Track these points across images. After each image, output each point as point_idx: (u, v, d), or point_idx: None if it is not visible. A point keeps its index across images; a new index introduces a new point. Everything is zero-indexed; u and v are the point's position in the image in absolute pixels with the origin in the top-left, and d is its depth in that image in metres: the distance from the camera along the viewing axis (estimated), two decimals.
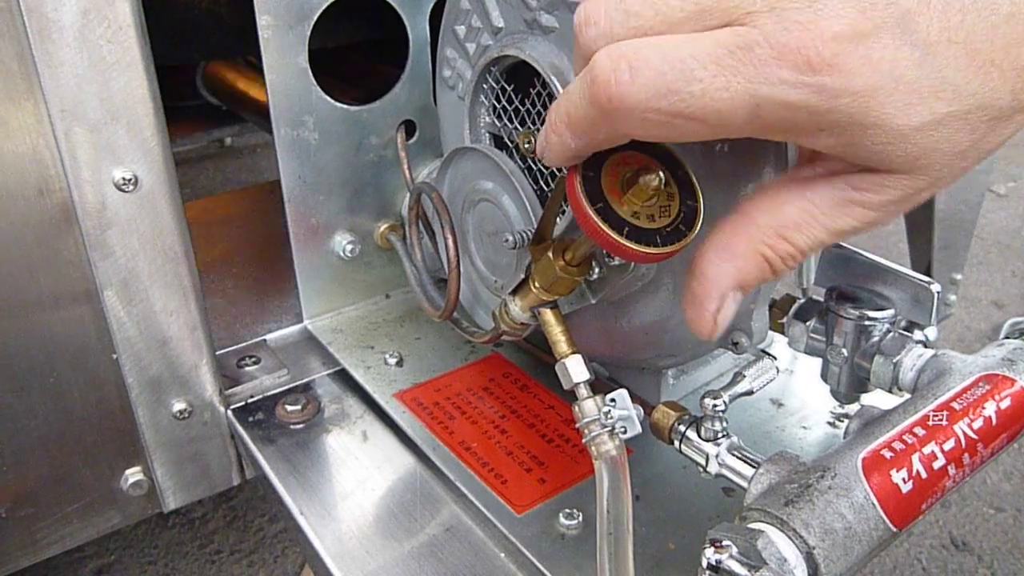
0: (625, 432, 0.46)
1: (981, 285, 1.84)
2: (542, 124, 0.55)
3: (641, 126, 0.32)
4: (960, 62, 0.29)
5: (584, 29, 0.33)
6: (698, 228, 0.39)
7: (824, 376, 0.59)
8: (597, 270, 0.49)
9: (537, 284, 0.48)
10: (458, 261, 0.59)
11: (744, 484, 0.46)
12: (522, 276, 0.50)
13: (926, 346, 0.54)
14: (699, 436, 0.49)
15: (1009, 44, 0.30)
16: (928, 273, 0.84)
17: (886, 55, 0.29)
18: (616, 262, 0.49)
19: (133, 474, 0.67)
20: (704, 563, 0.37)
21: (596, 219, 0.37)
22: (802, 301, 0.59)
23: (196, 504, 1.25)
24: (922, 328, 0.56)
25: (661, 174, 0.38)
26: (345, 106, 0.71)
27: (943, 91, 0.30)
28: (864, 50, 0.29)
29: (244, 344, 0.77)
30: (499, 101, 0.59)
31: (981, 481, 1.31)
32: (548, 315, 0.50)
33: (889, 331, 0.55)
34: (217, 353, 0.68)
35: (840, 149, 0.32)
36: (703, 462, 0.49)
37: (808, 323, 0.58)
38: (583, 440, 0.47)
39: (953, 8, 0.29)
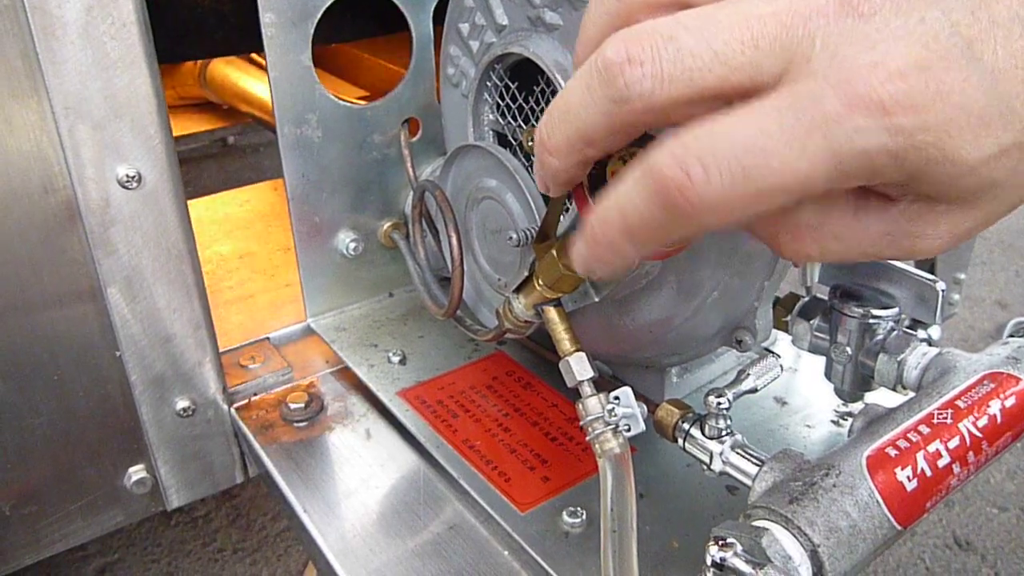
0: (629, 430, 0.46)
1: (985, 284, 1.84)
2: None
3: (720, 221, 0.30)
4: None
5: (627, 70, 0.30)
6: None
7: (828, 374, 0.59)
8: None
9: (541, 282, 0.48)
10: (462, 259, 0.59)
11: (748, 482, 0.46)
12: (526, 274, 0.50)
13: (930, 344, 0.54)
14: (703, 434, 0.49)
15: None
16: (932, 272, 0.83)
17: (955, 86, 0.27)
18: None
19: (136, 472, 0.67)
20: (709, 561, 0.37)
21: None
22: (806, 299, 0.59)
23: (199, 503, 1.25)
24: (926, 327, 0.56)
25: None
26: (348, 104, 0.71)
27: (1011, 120, 0.28)
28: (934, 84, 0.27)
29: (247, 342, 0.77)
30: (503, 99, 0.59)
31: (984, 480, 1.31)
32: (552, 313, 0.50)
33: (893, 329, 0.55)
34: (220, 351, 0.68)
35: (909, 182, 0.30)
36: (707, 460, 0.49)
37: (812, 321, 0.57)
38: (587, 438, 0.47)
39: (1015, 34, 0.28)
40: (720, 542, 0.37)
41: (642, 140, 0.39)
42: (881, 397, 0.58)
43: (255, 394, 0.71)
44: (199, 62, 1.31)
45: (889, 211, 0.32)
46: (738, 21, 0.29)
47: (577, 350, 0.48)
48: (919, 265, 0.56)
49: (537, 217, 0.54)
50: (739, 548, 0.37)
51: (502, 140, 0.61)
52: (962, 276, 1.11)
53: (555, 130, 0.34)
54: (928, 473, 0.41)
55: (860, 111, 0.27)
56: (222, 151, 2.28)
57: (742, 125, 0.28)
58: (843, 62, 0.27)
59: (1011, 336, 0.53)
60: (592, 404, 0.46)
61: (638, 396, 0.47)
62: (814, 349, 0.58)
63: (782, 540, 0.38)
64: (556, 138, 0.34)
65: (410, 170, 0.74)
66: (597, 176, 0.38)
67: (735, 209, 0.29)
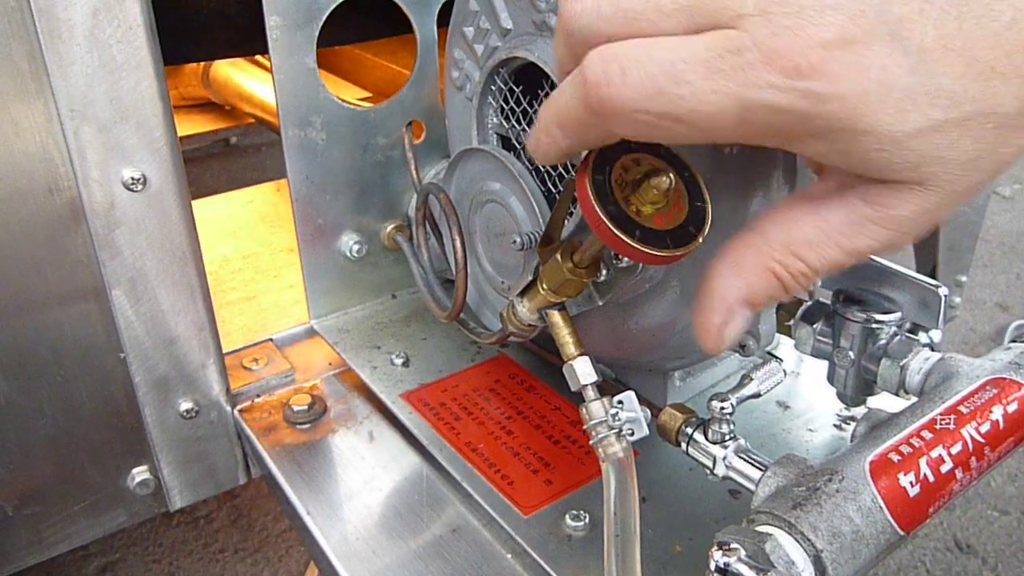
0: (632, 434, 0.46)
1: (986, 287, 1.84)
2: None
3: (631, 127, 0.33)
4: (957, 69, 0.29)
5: (571, 17, 0.33)
6: (707, 230, 0.39)
7: (830, 379, 0.59)
8: (605, 272, 0.49)
9: (545, 286, 0.49)
10: (466, 262, 0.59)
11: (751, 487, 0.46)
12: (530, 278, 0.51)
13: (932, 349, 0.54)
14: (706, 438, 0.49)
15: (1013, 51, 0.29)
16: (933, 275, 0.84)
17: (876, 61, 0.29)
18: (624, 264, 0.49)
19: (140, 473, 0.67)
20: (712, 566, 0.37)
21: (608, 222, 0.37)
22: (809, 303, 0.59)
23: (201, 503, 1.25)
24: (926, 330, 0.56)
25: (671, 176, 0.38)
26: (352, 106, 0.71)
27: (939, 97, 0.29)
28: (853, 56, 0.29)
29: (250, 344, 0.77)
30: (507, 103, 0.59)
31: (985, 484, 1.31)
32: (556, 317, 0.50)
33: (896, 334, 0.55)
34: (223, 352, 0.68)
35: (835, 157, 0.32)
36: (710, 464, 0.49)
37: (815, 325, 0.58)
38: (590, 442, 0.47)
39: (949, 15, 0.29)
40: (724, 547, 0.38)
41: (650, 148, 0.39)
42: (883, 402, 0.58)
43: (258, 396, 0.71)
44: (202, 63, 1.31)
45: (845, 197, 0.34)
46: None
47: (581, 354, 0.49)
48: (920, 269, 0.56)
49: (541, 221, 0.54)
50: (743, 553, 0.37)
51: (506, 144, 0.61)
52: (963, 279, 1.11)
53: (548, 104, 0.37)
54: (931, 478, 0.42)
55: (775, 69, 0.29)
56: (224, 151, 2.28)
57: (667, 48, 0.31)
58: (770, 19, 0.29)
59: (1013, 341, 0.53)
60: (596, 408, 0.47)
61: (641, 400, 0.47)
62: (817, 353, 0.58)
63: (785, 545, 0.38)
64: (548, 110, 0.37)
65: (414, 173, 0.74)
66: (602, 182, 0.38)
67: (642, 122, 0.32)
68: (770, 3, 0.29)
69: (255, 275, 0.90)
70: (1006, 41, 0.29)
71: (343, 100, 0.70)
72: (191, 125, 1.42)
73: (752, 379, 0.49)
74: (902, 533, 0.40)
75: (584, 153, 0.39)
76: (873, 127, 0.30)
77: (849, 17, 0.29)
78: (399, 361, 0.73)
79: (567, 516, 0.55)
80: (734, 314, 0.37)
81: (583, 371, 0.48)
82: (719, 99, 0.30)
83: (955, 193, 0.33)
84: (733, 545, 0.38)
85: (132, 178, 0.57)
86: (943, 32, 0.29)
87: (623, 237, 0.37)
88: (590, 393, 0.47)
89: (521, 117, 0.58)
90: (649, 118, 0.31)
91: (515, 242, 0.54)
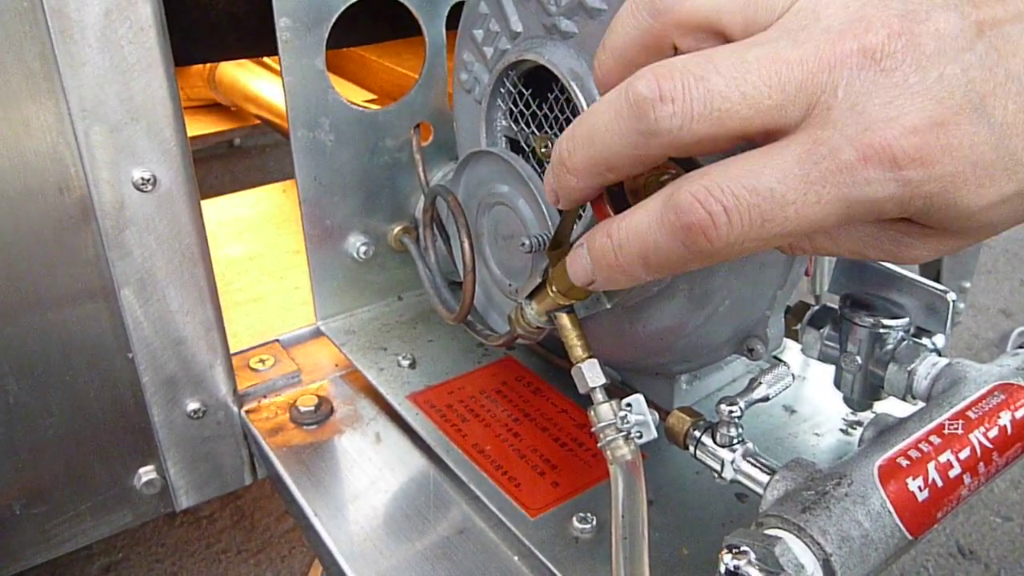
0: (641, 437, 0.46)
1: (989, 293, 1.84)
2: (559, 129, 0.56)
3: (737, 256, 0.32)
4: None
5: (658, 107, 0.31)
6: None
7: (837, 383, 0.59)
8: None
9: (554, 288, 0.49)
10: (473, 264, 0.60)
11: (759, 490, 0.46)
12: (538, 280, 0.51)
13: (939, 354, 0.55)
14: (714, 442, 0.49)
15: None
16: (937, 281, 0.84)
17: (964, 141, 0.29)
18: None
19: (147, 473, 0.67)
20: (722, 569, 0.37)
21: None
22: (816, 308, 0.59)
23: (204, 503, 1.25)
24: (931, 335, 0.56)
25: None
26: (361, 108, 0.71)
27: (1015, 171, 0.30)
28: (945, 139, 0.29)
29: (257, 344, 0.77)
30: (516, 105, 0.59)
31: (988, 490, 1.31)
32: (564, 319, 0.50)
33: (903, 339, 0.55)
34: (231, 353, 0.68)
35: (909, 217, 0.32)
36: (718, 468, 0.49)
37: (822, 330, 0.58)
38: (598, 444, 0.47)
39: None
40: (733, 550, 0.38)
41: None
42: (890, 406, 0.58)
43: (265, 396, 0.71)
44: (208, 64, 1.31)
45: (884, 223, 0.34)
46: (766, 65, 0.30)
47: (590, 357, 0.49)
48: (924, 275, 0.56)
49: (549, 223, 0.54)
50: (752, 556, 0.37)
51: (515, 146, 0.61)
52: (967, 285, 1.11)
53: (578, 151, 0.35)
54: (939, 483, 0.42)
55: (873, 163, 0.29)
56: (228, 152, 2.28)
57: (763, 171, 0.30)
58: (861, 114, 0.29)
59: (1020, 347, 0.53)
60: (604, 411, 0.47)
61: (648, 403, 0.47)
62: (824, 358, 0.58)
63: (795, 549, 0.38)
64: (577, 159, 0.35)
65: (421, 175, 0.74)
66: (615, 186, 0.38)
67: (751, 248, 0.31)
68: (858, 94, 0.29)
69: (262, 276, 0.90)
70: None
71: (351, 102, 0.70)
72: (196, 126, 1.42)
73: (761, 383, 0.49)
74: (911, 538, 0.40)
75: None
76: (956, 202, 0.30)
77: (938, 100, 0.29)
78: (406, 363, 0.73)
79: (574, 518, 0.55)
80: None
81: (592, 374, 0.48)
82: (822, 207, 0.30)
83: (978, 240, 0.33)
84: (743, 548, 0.38)
85: (142, 178, 0.57)
86: (1021, 105, 0.29)
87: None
88: (599, 396, 0.47)
89: (530, 120, 0.58)
90: (757, 245, 0.31)
91: (523, 245, 0.54)
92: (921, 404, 0.50)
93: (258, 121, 1.29)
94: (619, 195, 0.38)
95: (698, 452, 0.50)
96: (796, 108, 0.30)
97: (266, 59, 1.22)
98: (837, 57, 0.29)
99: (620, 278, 0.36)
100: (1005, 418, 0.45)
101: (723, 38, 0.33)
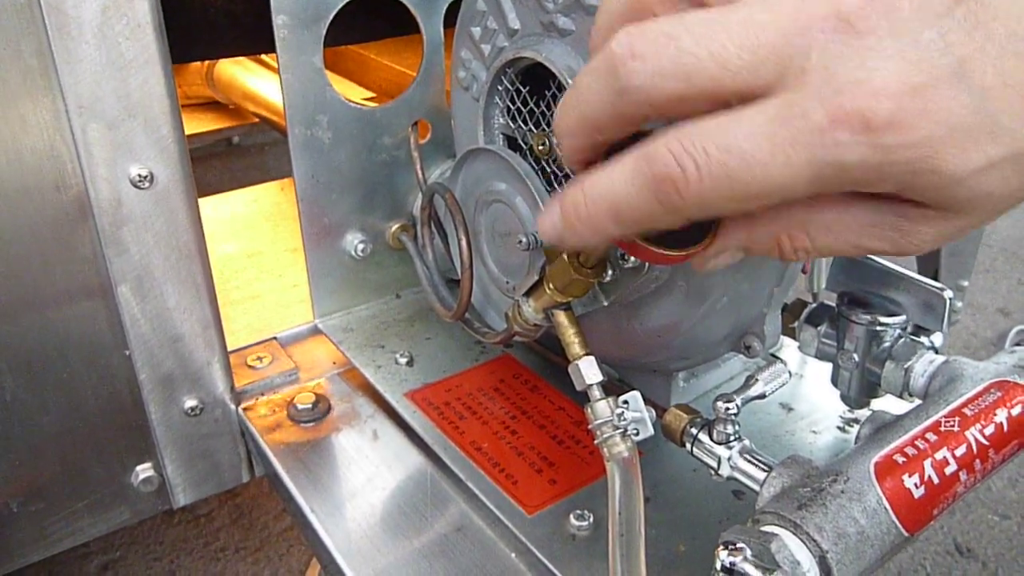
0: (638, 434, 0.47)
1: (987, 292, 1.84)
2: None
3: (705, 214, 0.32)
4: (1016, 106, 0.29)
5: (628, 63, 0.31)
6: (716, 228, 0.39)
7: (835, 380, 0.59)
8: (611, 272, 0.49)
9: (551, 286, 0.49)
10: (471, 262, 0.60)
11: (756, 487, 0.46)
12: (536, 278, 0.51)
13: (936, 352, 0.55)
14: (711, 439, 0.49)
15: None
16: (935, 279, 0.84)
17: (942, 104, 0.29)
18: (630, 264, 0.49)
19: (144, 470, 0.67)
20: (718, 565, 0.37)
21: None
22: (813, 306, 0.59)
23: (202, 501, 1.25)
24: (929, 333, 0.56)
25: None
26: (359, 105, 0.71)
27: (998, 135, 0.29)
28: (920, 103, 0.28)
29: (255, 342, 0.77)
30: (514, 103, 0.59)
31: (986, 488, 1.31)
32: (562, 317, 0.50)
33: (900, 337, 0.55)
34: (228, 351, 0.68)
35: (892, 188, 0.32)
36: (715, 465, 0.49)
37: (819, 328, 0.58)
38: (595, 441, 0.47)
39: (1008, 52, 0.29)
40: (730, 547, 0.38)
41: None
42: (887, 404, 0.58)
43: (262, 394, 0.71)
44: (206, 62, 1.31)
45: (879, 205, 0.33)
46: (739, 27, 0.30)
47: (587, 354, 0.49)
48: (923, 273, 0.56)
49: None
50: (748, 553, 0.37)
51: (512, 144, 0.61)
52: (965, 283, 1.11)
53: (567, 113, 0.36)
54: (935, 480, 0.42)
55: (844, 126, 0.29)
56: (226, 151, 2.28)
57: (733, 129, 0.30)
58: (833, 77, 0.29)
59: (1017, 345, 0.53)
60: (601, 408, 0.47)
61: (645, 401, 0.47)
62: (821, 355, 0.58)
63: (791, 545, 0.38)
64: (567, 120, 0.36)
65: (419, 172, 0.74)
66: None
67: (720, 206, 0.31)
68: (832, 58, 0.29)
69: (259, 274, 0.90)
70: None
71: (349, 100, 0.70)
72: (194, 124, 1.42)
73: (758, 380, 0.50)
74: (907, 535, 0.40)
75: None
76: (938, 168, 0.30)
77: (913, 63, 0.28)
78: (403, 360, 0.73)
79: (571, 515, 0.55)
80: (724, 255, 0.38)
81: (589, 371, 0.48)
82: (791, 170, 0.30)
83: (984, 220, 0.33)
84: (739, 545, 0.38)
85: (139, 175, 0.57)
86: (1002, 69, 0.29)
87: (633, 238, 0.37)
88: (596, 393, 0.47)
89: (528, 117, 0.58)
90: (724, 203, 0.31)
91: (521, 242, 0.54)
92: (918, 402, 0.50)
93: (256, 119, 1.29)
94: None
95: (695, 449, 0.50)
96: (768, 71, 0.30)
97: (264, 57, 1.21)
98: (811, 20, 0.29)
99: (587, 233, 0.36)
100: (1001, 415, 0.46)
101: (700, 5, 0.33)
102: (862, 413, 0.64)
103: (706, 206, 0.31)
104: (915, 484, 0.41)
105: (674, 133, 0.31)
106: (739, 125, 0.30)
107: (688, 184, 0.31)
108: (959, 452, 0.43)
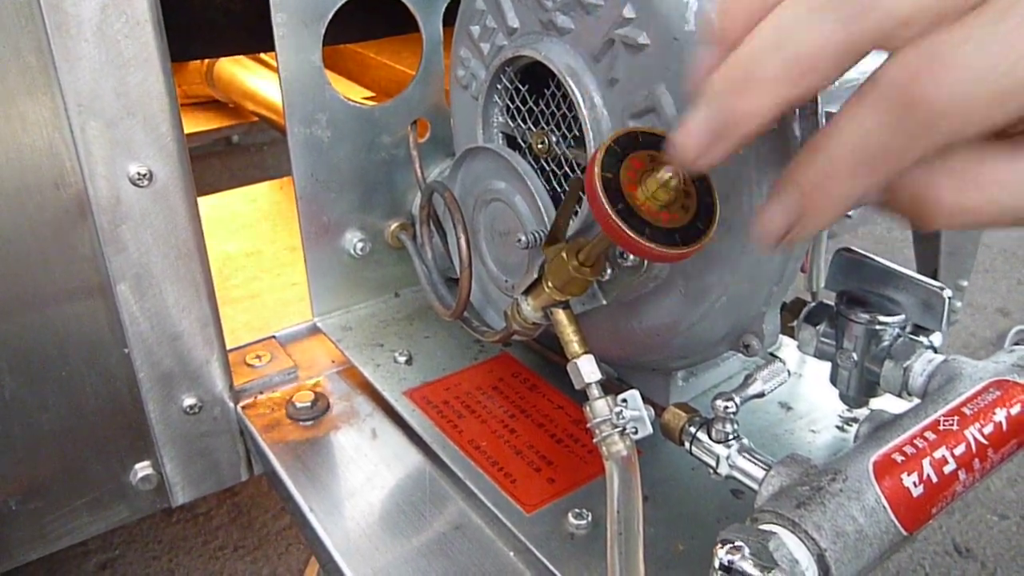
0: (636, 433, 0.47)
1: (987, 292, 1.84)
2: (556, 125, 0.56)
3: (961, 126, 0.29)
4: None
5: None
6: (715, 226, 0.39)
7: (833, 380, 0.59)
8: (610, 270, 0.49)
9: (550, 284, 0.49)
10: (470, 261, 0.60)
11: (755, 486, 0.46)
12: (535, 276, 0.51)
13: (935, 351, 0.55)
14: (710, 438, 0.49)
15: None
16: (934, 279, 0.84)
17: None
18: (630, 263, 0.49)
19: (143, 468, 0.67)
20: (716, 563, 0.37)
21: (617, 220, 0.37)
22: (812, 305, 0.59)
23: (200, 500, 1.25)
24: (928, 333, 0.56)
25: (680, 173, 0.38)
26: (358, 104, 0.71)
27: None
28: None
29: (254, 340, 0.77)
30: (513, 101, 0.59)
31: (985, 488, 1.31)
32: (561, 315, 0.50)
33: (899, 336, 0.55)
34: (227, 349, 0.68)
35: None
36: (713, 464, 0.49)
37: (818, 327, 0.58)
38: (594, 440, 0.47)
39: None
40: (728, 545, 0.38)
41: (658, 145, 0.39)
42: (886, 403, 0.58)
43: (261, 392, 0.71)
44: (206, 60, 1.31)
45: None
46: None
47: (586, 352, 0.49)
48: (922, 273, 0.56)
49: (546, 219, 0.54)
50: (747, 551, 0.37)
51: (511, 142, 0.61)
52: (964, 283, 1.11)
53: (766, 59, 0.31)
54: (934, 479, 0.42)
55: None
56: (226, 149, 2.28)
57: (980, 32, 0.27)
58: None
59: (1016, 344, 0.53)
60: (600, 406, 0.47)
61: (644, 399, 0.47)
62: (820, 355, 0.58)
63: (789, 544, 0.38)
64: (770, 67, 0.31)
65: (418, 171, 0.74)
66: (611, 179, 0.38)
67: (974, 114, 0.28)
68: None
69: (258, 272, 0.90)
70: None
71: (348, 99, 0.70)
72: (193, 123, 1.42)
73: (756, 379, 0.50)
74: (905, 533, 0.40)
75: (593, 150, 0.39)
76: None
77: None
78: (402, 359, 0.73)
79: (570, 514, 0.55)
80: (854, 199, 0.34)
81: (588, 369, 0.48)
82: None
83: None
84: (737, 543, 0.38)
85: (138, 173, 0.57)
86: None
87: (632, 235, 0.37)
88: (594, 391, 0.47)
89: (527, 116, 0.58)
90: (981, 107, 0.28)
91: (520, 241, 0.54)
92: (917, 401, 0.50)
93: (256, 118, 1.29)
94: (615, 190, 0.38)
95: (694, 448, 0.50)
96: None
97: (263, 55, 1.21)
98: None
99: (827, 204, 0.32)
100: (1000, 414, 0.45)
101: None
102: (861, 412, 0.64)
103: (960, 114, 0.28)
104: (914, 483, 0.41)
105: (913, 48, 0.28)
106: (982, 27, 0.27)
107: (939, 88, 0.28)
108: (958, 451, 0.43)
